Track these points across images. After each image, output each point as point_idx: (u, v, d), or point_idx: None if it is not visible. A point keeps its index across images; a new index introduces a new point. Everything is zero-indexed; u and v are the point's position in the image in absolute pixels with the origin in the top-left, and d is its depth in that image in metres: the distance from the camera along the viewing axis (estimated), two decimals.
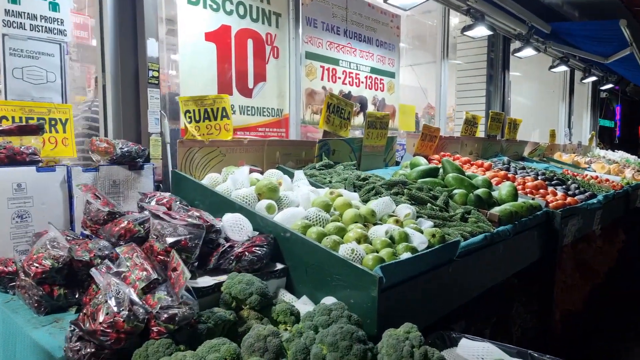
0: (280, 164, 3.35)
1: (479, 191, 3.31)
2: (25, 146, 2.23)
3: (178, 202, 2.45)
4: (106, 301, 1.53)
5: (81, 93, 3.41)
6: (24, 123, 2.29)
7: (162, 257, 1.83)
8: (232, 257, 2.00)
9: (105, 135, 2.66)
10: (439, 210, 2.94)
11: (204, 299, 1.81)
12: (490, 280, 2.98)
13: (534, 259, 3.49)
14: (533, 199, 3.72)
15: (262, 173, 3.02)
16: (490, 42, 7.43)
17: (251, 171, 2.98)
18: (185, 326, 1.55)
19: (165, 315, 1.50)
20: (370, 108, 5.18)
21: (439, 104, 6.46)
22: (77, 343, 1.51)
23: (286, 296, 2.07)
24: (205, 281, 1.87)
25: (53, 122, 2.45)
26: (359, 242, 2.16)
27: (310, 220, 2.28)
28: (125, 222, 2.07)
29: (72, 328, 1.54)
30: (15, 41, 2.33)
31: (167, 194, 2.49)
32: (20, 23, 2.34)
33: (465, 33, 6.09)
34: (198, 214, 2.05)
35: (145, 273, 1.66)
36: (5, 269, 1.92)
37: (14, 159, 2.16)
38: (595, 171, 6.75)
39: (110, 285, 1.58)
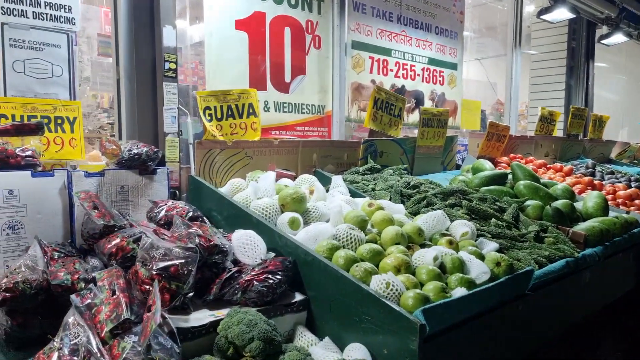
0: (317, 167, 2.94)
1: (559, 203, 2.71)
2: (21, 148, 1.98)
3: (190, 213, 2.12)
4: (61, 347, 1.20)
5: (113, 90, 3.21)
6: (25, 122, 2.05)
7: (147, 287, 1.48)
8: (237, 287, 1.62)
9: (120, 136, 2.40)
10: (507, 227, 2.40)
11: (194, 342, 1.44)
12: (572, 317, 2.40)
13: (628, 288, 2.84)
14: (627, 212, 3.05)
15: (294, 179, 2.63)
16: (571, 29, 6.57)
17: (281, 176, 2.61)
18: None
19: None
20: (428, 104, 4.64)
21: (509, 99, 5.75)
22: None
23: (305, 336, 1.66)
24: (200, 317, 1.50)
25: (59, 121, 2.21)
26: (398, 271, 1.71)
27: (339, 241, 1.86)
28: (119, 239, 1.76)
29: None
30: (16, 31, 2.10)
31: (182, 203, 2.18)
32: (22, 11, 2.11)
33: (542, 17, 5.35)
34: (200, 232, 1.69)
35: (117, 310, 1.31)
36: None
37: (6, 163, 1.92)
38: None
39: (70, 325, 1.26)
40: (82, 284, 1.60)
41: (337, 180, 2.62)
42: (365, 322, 1.54)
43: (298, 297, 1.74)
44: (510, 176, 3.14)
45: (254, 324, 1.42)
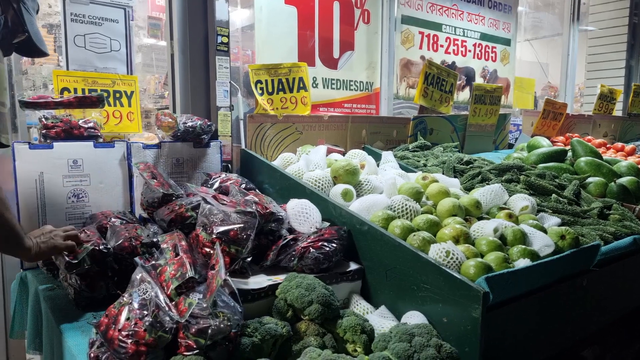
0: (366, 144, 2.90)
1: (624, 180, 2.57)
2: (84, 120, 2.06)
3: (243, 185, 2.14)
4: (130, 302, 1.24)
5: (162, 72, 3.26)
6: (86, 95, 2.12)
7: (208, 250, 1.51)
8: (293, 253, 1.63)
9: (174, 110, 2.44)
10: (568, 204, 2.29)
11: (254, 304, 1.46)
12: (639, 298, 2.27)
13: None
14: None
15: (344, 154, 2.61)
16: (633, 3, 6.17)
17: (330, 151, 2.59)
18: (222, 341, 1.20)
19: (195, 328, 1.17)
20: (479, 81, 4.49)
21: (564, 77, 5.47)
22: (100, 349, 1.24)
23: (360, 304, 1.65)
24: (259, 281, 1.52)
25: (118, 95, 2.28)
26: (457, 241, 1.66)
27: (394, 211, 1.83)
28: (177, 206, 1.80)
29: (96, 331, 1.28)
30: (76, 6, 2.17)
31: (234, 176, 2.21)
32: None
33: None
34: (256, 199, 1.70)
35: (182, 269, 1.34)
36: None
37: (70, 133, 2.00)
38: None
39: (139, 282, 1.30)
40: (145, 248, 1.66)
41: (387, 155, 2.58)
42: (423, 290, 1.51)
43: (353, 266, 1.72)
44: (569, 153, 2.99)
45: (312, 288, 1.42)
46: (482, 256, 1.62)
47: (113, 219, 1.86)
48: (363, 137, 2.92)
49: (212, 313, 1.16)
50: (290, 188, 2.09)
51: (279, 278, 1.56)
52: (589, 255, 1.79)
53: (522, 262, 1.57)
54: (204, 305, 1.19)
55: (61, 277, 1.68)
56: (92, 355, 1.24)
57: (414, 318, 1.48)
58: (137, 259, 1.62)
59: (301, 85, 2.58)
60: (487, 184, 2.39)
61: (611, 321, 2.18)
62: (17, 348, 2.26)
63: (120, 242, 1.62)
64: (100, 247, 1.56)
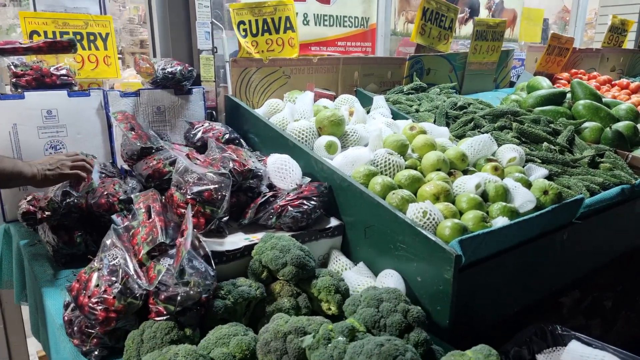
0: (359, 87, 2.80)
1: (620, 125, 2.49)
2: (56, 66, 1.97)
3: (227, 135, 2.09)
4: (100, 268, 1.25)
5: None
6: (57, 39, 2.01)
7: (183, 210, 1.50)
8: (272, 211, 1.61)
9: (154, 54, 2.33)
10: (559, 152, 2.24)
11: (230, 265, 1.47)
12: (624, 245, 2.29)
13: None
14: None
15: (334, 99, 2.52)
16: None
17: (320, 96, 2.50)
18: (193, 306, 1.22)
19: (164, 295, 1.19)
20: (484, 14, 4.24)
21: (576, 4, 5.14)
22: (74, 312, 1.27)
23: (340, 260, 1.66)
24: (235, 241, 1.52)
25: (92, 38, 2.16)
26: (437, 199, 1.63)
27: (377, 166, 1.79)
28: (155, 161, 1.77)
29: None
30: None
31: (218, 125, 2.14)
32: None
33: None
34: (234, 156, 1.66)
35: (153, 234, 1.34)
36: (31, 208, 1.72)
37: (42, 82, 1.92)
38: None
39: (109, 247, 1.30)
40: (123, 205, 1.65)
41: (378, 100, 2.49)
42: (399, 249, 1.51)
43: (333, 222, 1.72)
44: (569, 95, 2.88)
45: (287, 250, 1.42)
46: (461, 214, 1.60)
47: None
48: (355, 79, 2.80)
49: (179, 282, 1.17)
50: (274, 139, 2.04)
51: (257, 237, 1.56)
52: (571, 210, 1.78)
53: (500, 221, 1.55)
54: (173, 272, 1.20)
55: (40, 233, 1.69)
56: (65, 318, 1.27)
57: (389, 278, 1.49)
58: (114, 216, 1.63)
59: (288, 25, 2.43)
60: (479, 131, 2.32)
61: (594, 269, 2.21)
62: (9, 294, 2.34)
63: (96, 199, 1.61)
64: (68, 200, 1.55)
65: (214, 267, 1.32)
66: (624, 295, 2.59)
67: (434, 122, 2.41)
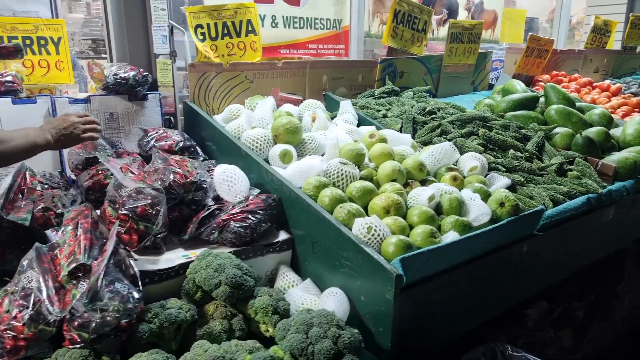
0: (328, 91, 2.73)
1: (592, 131, 2.42)
2: (1, 72, 1.90)
3: (181, 143, 2.02)
4: (14, 292, 1.18)
5: None
6: (3, 44, 1.94)
7: None
8: (214, 226, 1.54)
9: (110, 58, 2.26)
10: (527, 159, 2.18)
11: (162, 285, 1.40)
12: (590, 256, 2.23)
13: None
14: None
15: (299, 104, 2.45)
16: None
17: (285, 101, 2.43)
18: (112, 332, 1.15)
19: (77, 322, 1.12)
20: (463, 15, 4.17)
21: (560, 5, 5.08)
22: None
23: (287, 277, 1.59)
24: (171, 258, 1.45)
25: (42, 42, 2.08)
26: (387, 212, 1.57)
27: (329, 177, 1.72)
28: (97, 171, 1.70)
29: None
30: None
31: (173, 132, 2.07)
32: None
33: None
34: (176, 169, 1.59)
35: (75, 254, 1.27)
36: None
37: None
38: None
39: (25, 268, 1.23)
40: (60, 219, 1.57)
41: (345, 105, 2.42)
42: (344, 266, 1.45)
43: (282, 236, 1.65)
44: (542, 99, 2.82)
45: (222, 268, 1.35)
46: (411, 228, 1.54)
47: (35, 182, 1.76)
48: (324, 83, 2.73)
49: (90, 308, 1.10)
50: (228, 147, 1.97)
51: (196, 253, 1.49)
52: (531, 222, 1.71)
53: (451, 236, 1.48)
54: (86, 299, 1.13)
55: None
56: None
57: (331, 297, 1.43)
58: (49, 232, 1.55)
59: (250, 28, 2.36)
60: (446, 137, 2.26)
61: (561, 280, 2.15)
62: None
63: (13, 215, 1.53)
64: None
65: (141, 288, 1.25)
66: (595, 305, 2.54)
67: (401, 128, 2.35)
